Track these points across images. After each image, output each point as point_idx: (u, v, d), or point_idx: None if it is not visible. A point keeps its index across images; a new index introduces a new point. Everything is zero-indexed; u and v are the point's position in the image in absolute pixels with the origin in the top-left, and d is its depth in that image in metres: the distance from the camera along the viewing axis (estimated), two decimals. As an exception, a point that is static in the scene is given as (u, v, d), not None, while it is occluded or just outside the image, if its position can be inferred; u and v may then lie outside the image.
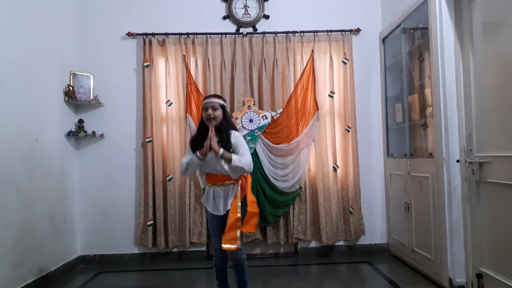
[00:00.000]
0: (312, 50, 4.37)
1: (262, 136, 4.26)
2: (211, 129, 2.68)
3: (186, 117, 4.26)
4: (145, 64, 4.29)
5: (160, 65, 4.39)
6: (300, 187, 4.30)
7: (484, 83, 2.85)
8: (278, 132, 4.29)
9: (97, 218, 4.34)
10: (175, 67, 4.36)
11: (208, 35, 4.33)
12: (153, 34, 4.32)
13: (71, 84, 4.17)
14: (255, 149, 4.23)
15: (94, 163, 4.36)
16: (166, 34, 4.32)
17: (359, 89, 4.45)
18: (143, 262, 4.34)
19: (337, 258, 4.33)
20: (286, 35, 4.37)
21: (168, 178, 4.25)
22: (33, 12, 3.60)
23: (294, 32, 4.36)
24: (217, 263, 2.88)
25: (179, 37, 4.34)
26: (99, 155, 4.36)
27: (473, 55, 2.98)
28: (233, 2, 4.45)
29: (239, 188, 2.78)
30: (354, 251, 4.42)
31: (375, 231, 4.46)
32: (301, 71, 4.36)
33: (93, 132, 4.30)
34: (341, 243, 4.42)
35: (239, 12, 4.46)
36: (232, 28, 4.47)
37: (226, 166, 2.69)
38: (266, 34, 4.36)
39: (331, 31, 4.38)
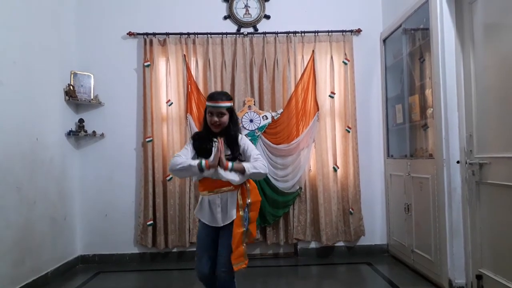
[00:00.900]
0: (313, 51, 4.36)
1: (263, 136, 4.26)
2: (219, 141, 2.32)
3: (187, 117, 4.26)
4: (145, 64, 4.29)
5: (161, 64, 4.39)
6: (300, 188, 4.30)
7: (485, 84, 2.84)
8: (278, 132, 4.28)
9: (97, 218, 4.34)
10: (175, 67, 4.36)
11: (209, 35, 4.33)
12: (154, 34, 4.32)
13: (72, 83, 4.17)
14: (255, 149, 4.23)
15: (94, 163, 4.36)
16: (167, 34, 4.32)
17: (360, 89, 4.45)
18: (143, 262, 4.34)
19: (337, 258, 4.33)
20: (287, 35, 4.37)
21: (168, 178, 4.25)
22: (34, 11, 3.60)
23: (295, 33, 4.36)
24: (201, 281, 2.46)
25: (180, 37, 4.34)
26: (99, 155, 4.36)
27: (474, 56, 2.97)
28: (234, 2, 4.44)
29: (240, 196, 2.42)
30: (354, 252, 4.42)
31: (375, 232, 4.45)
32: (302, 72, 4.36)
33: (94, 132, 4.30)
34: (341, 243, 4.42)
35: (240, 12, 4.45)
36: (233, 28, 4.47)
37: (235, 178, 2.35)
38: (267, 34, 4.36)
39: (332, 31, 4.38)
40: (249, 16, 4.46)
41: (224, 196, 2.41)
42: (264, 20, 4.48)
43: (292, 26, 4.37)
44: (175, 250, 4.35)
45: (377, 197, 4.48)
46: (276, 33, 4.35)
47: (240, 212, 2.39)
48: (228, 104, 2.42)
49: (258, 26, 4.47)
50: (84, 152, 4.37)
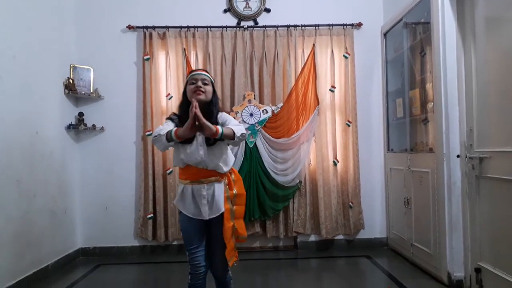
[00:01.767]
0: (313, 44, 4.35)
1: (263, 130, 4.26)
2: (194, 104, 1.98)
3: (187, 110, 4.25)
4: (145, 57, 4.28)
5: (161, 58, 4.38)
6: (300, 181, 4.31)
7: (486, 78, 2.84)
8: (278, 126, 4.28)
9: (97, 211, 4.35)
10: (175, 61, 4.34)
11: (209, 29, 4.31)
12: (154, 27, 4.30)
13: (71, 77, 4.16)
14: (255, 143, 4.23)
15: (94, 156, 4.36)
16: (167, 27, 4.30)
17: (360, 83, 4.44)
18: (143, 254, 4.36)
19: (336, 252, 4.35)
20: (287, 29, 4.35)
21: (168, 172, 4.25)
22: (33, 5, 3.59)
23: (295, 26, 4.34)
24: (195, 282, 2.21)
25: (180, 30, 4.32)
26: (99, 148, 4.36)
27: (475, 50, 2.97)
28: (234, -5, 4.43)
29: (226, 187, 2.25)
30: (353, 245, 4.44)
31: (375, 225, 4.47)
32: (302, 65, 4.35)
33: (93, 125, 4.30)
34: (340, 237, 4.44)
35: (240, 6, 4.43)
36: (233, 21, 4.45)
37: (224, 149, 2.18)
38: (267, 28, 4.34)
39: (332, 25, 4.36)
40: (249, 9, 4.44)
41: (210, 186, 2.19)
42: (264, 13, 4.46)
43: (292, 20, 4.36)
44: (175, 243, 4.37)
45: (377, 191, 4.49)
46: (277, 26, 4.33)
47: (228, 205, 2.22)
48: (209, 75, 2.27)
49: (258, 19, 4.45)
50: (84, 146, 4.37)
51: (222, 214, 2.21)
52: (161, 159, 4.25)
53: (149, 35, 4.31)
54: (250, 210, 4.15)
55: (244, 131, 2.17)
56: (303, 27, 4.35)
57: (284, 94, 4.34)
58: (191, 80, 2.21)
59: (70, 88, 4.10)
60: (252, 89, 4.32)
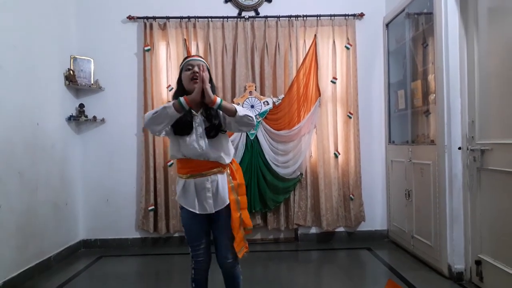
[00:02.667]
0: (315, 35, 4.31)
1: (264, 122, 4.24)
2: (201, 69, 2.00)
3: (187, 102, 4.23)
4: (146, 48, 4.25)
5: (161, 49, 4.35)
6: (301, 174, 4.30)
7: (488, 70, 2.81)
8: (279, 118, 4.27)
9: (98, 203, 4.36)
10: (176, 51, 4.31)
11: (210, 19, 4.28)
12: (154, 18, 4.27)
13: (72, 68, 4.14)
14: (256, 135, 4.22)
15: (95, 148, 4.36)
16: (167, 18, 4.26)
17: (362, 75, 4.41)
18: (144, 246, 4.38)
19: (337, 244, 4.36)
20: (288, 19, 4.31)
21: (169, 164, 4.25)
22: (32, -6, 3.56)
23: (296, 16, 4.30)
24: (199, 277, 2.23)
25: (180, 21, 4.29)
26: (100, 140, 4.36)
27: (477, 41, 2.93)
28: (235, -15, 4.38)
29: (230, 177, 2.19)
30: (354, 237, 4.45)
31: (375, 217, 4.47)
32: (304, 56, 4.32)
33: (94, 117, 4.29)
34: (341, 229, 4.45)
35: (241, -4, 4.39)
36: (234, 11, 4.41)
37: (227, 123, 2.09)
38: (268, 18, 4.30)
39: (334, 15, 4.32)
40: (251, -1, 4.40)
41: (214, 178, 2.13)
42: (265, 3, 4.41)
43: (294, 10, 4.31)
44: (176, 235, 4.39)
45: (378, 183, 4.48)
46: (278, 17, 4.29)
47: (234, 195, 2.16)
48: (206, 62, 2.19)
49: (259, 9, 4.41)
50: (85, 137, 4.37)
51: (228, 205, 2.15)
52: (162, 151, 4.25)
53: (149, 26, 4.28)
54: (251, 202, 4.14)
55: (250, 114, 2.06)
56: (305, 18, 4.31)
57: (285, 85, 4.31)
58: (187, 66, 2.13)
59: (70, 79, 4.08)
60: (253, 81, 4.30)
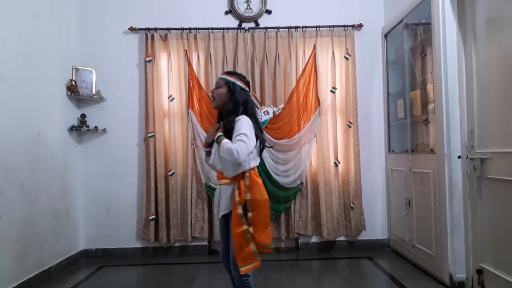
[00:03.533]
0: (314, 46, 4.35)
1: (264, 132, 4.24)
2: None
3: (188, 112, 4.26)
4: (147, 59, 4.30)
5: (162, 60, 4.39)
6: (302, 183, 4.31)
7: (487, 79, 2.84)
8: (279, 127, 4.29)
9: (99, 213, 4.36)
10: (177, 62, 4.35)
11: (210, 30, 4.33)
12: (156, 29, 4.32)
13: (74, 78, 4.18)
14: (256, 144, 4.24)
15: (96, 158, 4.37)
16: (169, 29, 4.31)
17: (361, 84, 4.44)
18: (145, 256, 4.37)
19: (337, 253, 4.35)
20: (288, 30, 4.36)
21: (170, 173, 4.26)
22: (35, 6, 3.60)
23: (296, 27, 4.35)
24: (227, 272, 2.47)
25: (181, 32, 4.34)
26: (101, 150, 4.37)
27: (475, 51, 2.97)
28: (235, -3, 4.44)
29: (237, 191, 2.23)
30: (355, 247, 4.44)
31: (376, 226, 4.47)
32: (303, 67, 4.36)
33: (96, 127, 4.31)
34: (342, 238, 4.44)
35: (241, 7, 4.44)
36: (234, 23, 4.46)
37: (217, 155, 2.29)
38: (268, 29, 4.35)
39: (333, 26, 4.37)
40: (251, 11, 4.45)
41: (222, 188, 2.35)
42: (265, 15, 4.46)
43: (293, 21, 4.36)
44: (177, 244, 4.38)
45: (378, 192, 4.49)
46: (278, 28, 4.34)
47: (238, 210, 2.20)
48: (228, 77, 2.34)
49: (259, 21, 4.46)
50: (86, 147, 4.39)
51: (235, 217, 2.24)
52: (163, 161, 4.26)
53: (151, 37, 4.32)
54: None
55: (225, 150, 2.14)
56: (304, 29, 4.36)
57: (285, 95, 4.34)
58: None
59: (72, 89, 4.11)
60: (254, 91, 4.32)
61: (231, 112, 2.27)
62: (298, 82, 4.33)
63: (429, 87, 3.53)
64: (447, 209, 3.14)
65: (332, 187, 4.32)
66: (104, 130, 4.36)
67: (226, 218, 2.33)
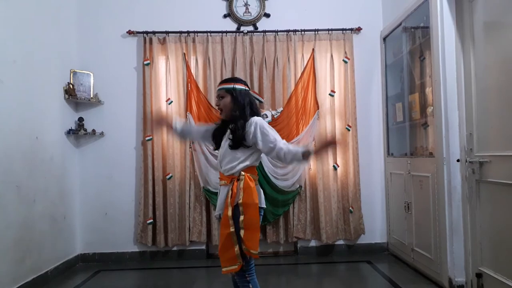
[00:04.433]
0: (313, 49, 4.36)
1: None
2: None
3: (186, 115, 4.26)
4: (145, 62, 4.29)
5: (161, 63, 4.39)
6: (300, 186, 4.30)
7: (485, 83, 2.84)
8: (278, 131, 4.13)
9: (97, 217, 4.33)
10: (175, 66, 4.35)
11: (209, 34, 4.33)
12: (154, 32, 4.31)
13: (71, 82, 4.17)
14: (255, 148, 4.23)
15: (94, 162, 4.35)
16: (167, 33, 4.31)
17: (360, 88, 4.44)
18: (143, 260, 4.34)
19: (336, 257, 4.33)
20: (287, 34, 4.36)
21: (168, 177, 4.25)
22: (34, 9, 3.59)
23: (295, 31, 4.35)
24: None
25: (180, 36, 4.33)
26: (99, 154, 4.36)
27: (474, 55, 2.97)
28: (234, 0, 4.43)
29: (230, 192, 2.23)
30: (354, 250, 4.42)
31: (375, 230, 4.45)
32: (302, 70, 4.36)
33: (93, 130, 4.30)
34: (341, 242, 4.42)
35: (239, 11, 4.44)
36: (232, 26, 4.46)
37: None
38: (266, 33, 4.35)
39: (332, 29, 4.37)
40: (249, 14, 4.45)
41: (220, 189, 2.37)
42: (264, 18, 4.47)
43: (292, 25, 4.37)
44: (175, 248, 4.35)
45: (377, 195, 4.48)
46: (276, 31, 4.34)
47: (228, 212, 2.19)
48: (227, 85, 2.34)
49: (258, 24, 4.46)
50: (84, 151, 4.37)
51: (235, 217, 2.22)
52: (161, 164, 4.24)
53: (149, 40, 4.32)
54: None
55: (281, 147, 2.20)
56: (303, 32, 4.37)
57: (284, 98, 4.34)
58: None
59: (70, 93, 4.10)
60: (252, 94, 4.32)
61: (239, 117, 2.27)
62: (296, 85, 4.33)
63: (428, 90, 3.53)
64: (446, 213, 3.13)
65: (331, 190, 4.31)
66: (101, 134, 4.35)
67: None
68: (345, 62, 4.38)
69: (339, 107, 4.42)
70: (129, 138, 4.38)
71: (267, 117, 4.26)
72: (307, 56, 4.37)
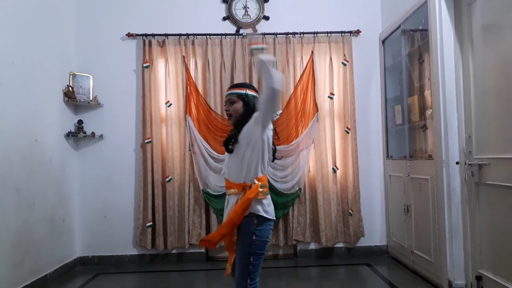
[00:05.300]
0: (312, 52, 4.36)
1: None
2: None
3: (186, 118, 4.25)
4: (144, 65, 4.29)
5: (160, 66, 4.39)
6: (300, 189, 4.29)
7: (484, 85, 2.85)
8: (277, 133, 4.27)
9: (96, 219, 4.32)
10: (174, 68, 4.35)
11: (208, 36, 4.33)
12: (153, 35, 4.32)
13: (71, 84, 4.17)
14: (254, 150, 4.22)
15: (93, 164, 4.35)
16: (166, 35, 4.31)
17: (359, 90, 4.44)
18: (142, 263, 4.33)
19: (336, 260, 4.33)
20: (286, 36, 4.37)
21: (167, 179, 4.24)
22: (33, 11, 3.60)
23: (294, 33, 4.36)
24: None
25: (179, 38, 4.34)
26: (98, 156, 4.35)
27: (472, 57, 2.97)
28: (233, 3, 4.44)
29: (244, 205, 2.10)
30: (354, 253, 4.41)
31: (375, 233, 4.45)
32: (301, 73, 4.36)
33: (93, 133, 4.29)
34: (340, 245, 4.42)
35: (239, 13, 4.45)
36: (232, 29, 4.46)
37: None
38: (266, 35, 4.36)
39: (331, 32, 4.38)
40: (248, 17, 4.46)
41: (229, 198, 2.21)
42: (263, 21, 4.47)
43: (291, 27, 4.37)
44: (174, 251, 4.34)
45: (377, 198, 4.47)
46: (275, 34, 4.35)
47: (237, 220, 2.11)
48: (240, 90, 2.22)
49: (257, 27, 4.47)
50: (83, 154, 4.36)
51: (243, 226, 2.12)
52: (160, 167, 4.24)
53: (148, 43, 4.32)
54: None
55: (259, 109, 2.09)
56: (302, 35, 4.37)
57: (283, 101, 4.34)
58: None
59: (69, 95, 4.10)
60: (251, 97, 4.32)
61: (244, 123, 2.17)
62: (296, 88, 4.33)
63: (427, 93, 3.53)
64: (446, 215, 3.13)
65: (330, 193, 4.30)
66: (101, 136, 4.35)
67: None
68: (344, 64, 4.39)
69: (338, 110, 4.42)
70: (129, 140, 4.38)
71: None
72: (306, 59, 4.38)
